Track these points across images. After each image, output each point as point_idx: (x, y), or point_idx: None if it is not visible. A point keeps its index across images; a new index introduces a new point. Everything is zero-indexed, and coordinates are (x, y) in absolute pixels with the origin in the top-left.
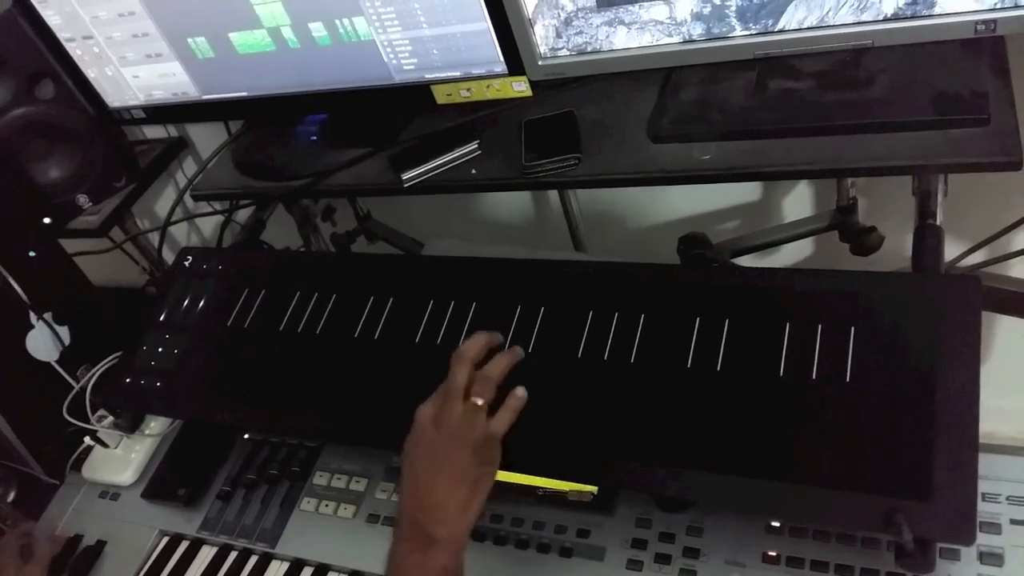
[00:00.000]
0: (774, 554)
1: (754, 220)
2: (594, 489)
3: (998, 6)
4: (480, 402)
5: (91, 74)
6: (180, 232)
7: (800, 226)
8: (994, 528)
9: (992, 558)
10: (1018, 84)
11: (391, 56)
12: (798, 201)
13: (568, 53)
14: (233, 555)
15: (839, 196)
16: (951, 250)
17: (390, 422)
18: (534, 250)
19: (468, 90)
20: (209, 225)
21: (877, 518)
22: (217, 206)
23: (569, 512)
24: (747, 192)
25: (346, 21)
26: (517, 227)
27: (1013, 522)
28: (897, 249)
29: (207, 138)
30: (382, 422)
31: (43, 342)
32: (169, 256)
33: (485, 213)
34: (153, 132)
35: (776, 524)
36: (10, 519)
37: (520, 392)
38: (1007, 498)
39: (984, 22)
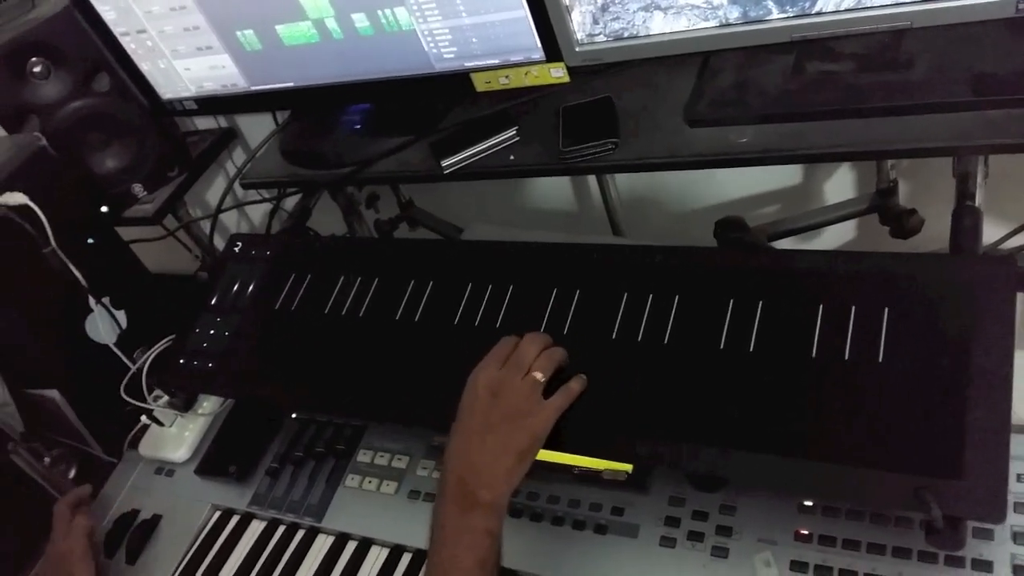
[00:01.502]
0: (806, 532)
1: (794, 203)
2: (629, 468)
3: None
4: (540, 377)
5: (145, 67)
6: (230, 219)
7: (839, 209)
8: None
9: None
10: None
11: (431, 45)
12: (838, 184)
13: (605, 39)
14: (281, 529)
15: (879, 178)
16: (994, 232)
17: (430, 402)
18: (572, 235)
19: (507, 77)
20: (258, 213)
21: (906, 496)
22: (265, 194)
23: (604, 491)
24: (787, 176)
25: (388, 11)
26: (556, 212)
27: None
28: (938, 232)
29: (256, 128)
30: (422, 402)
31: (102, 326)
32: (220, 243)
33: (525, 199)
34: (203, 123)
35: (809, 503)
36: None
37: (583, 377)
38: None
39: None
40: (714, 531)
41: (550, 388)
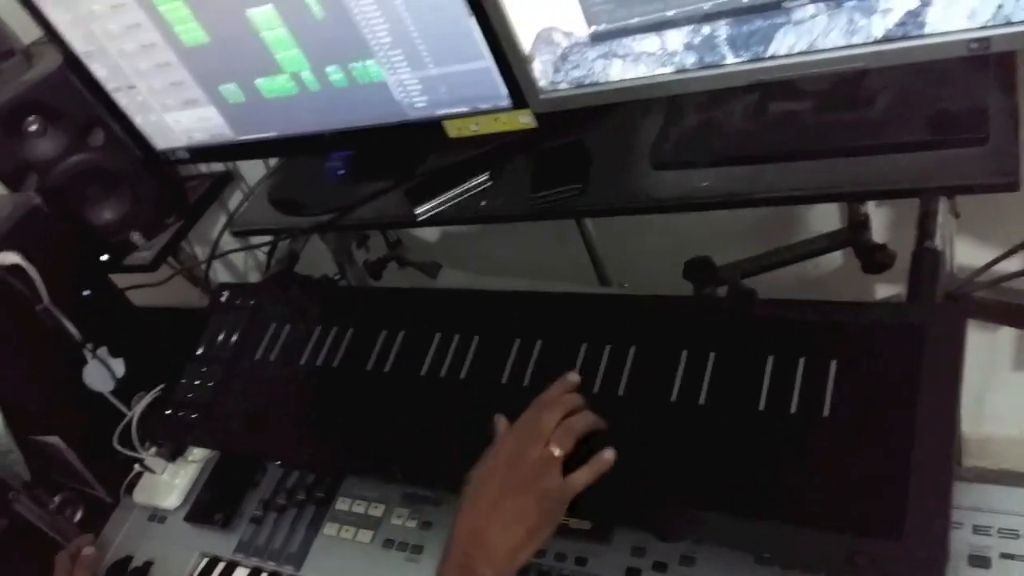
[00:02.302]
0: None
1: (776, 235)
2: None
3: (990, 23)
4: (557, 452)
5: (137, 120)
6: (238, 258)
7: (812, 244)
8: (983, 562)
9: None
10: None
11: (403, 95)
12: (820, 214)
13: (568, 86)
14: None
15: (851, 213)
16: (971, 262)
17: (405, 454)
18: (551, 281)
19: (477, 124)
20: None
21: (841, 558)
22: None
23: (569, 540)
24: (765, 209)
25: (359, 64)
26: (541, 255)
27: (1003, 556)
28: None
29: (254, 168)
30: (397, 454)
31: (99, 375)
32: (226, 279)
33: (508, 241)
34: (204, 165)
35: (767, 555)
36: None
37: (608, 455)
38: (998, 531)
39: (977, 40)
40: None
41: (580, 455)
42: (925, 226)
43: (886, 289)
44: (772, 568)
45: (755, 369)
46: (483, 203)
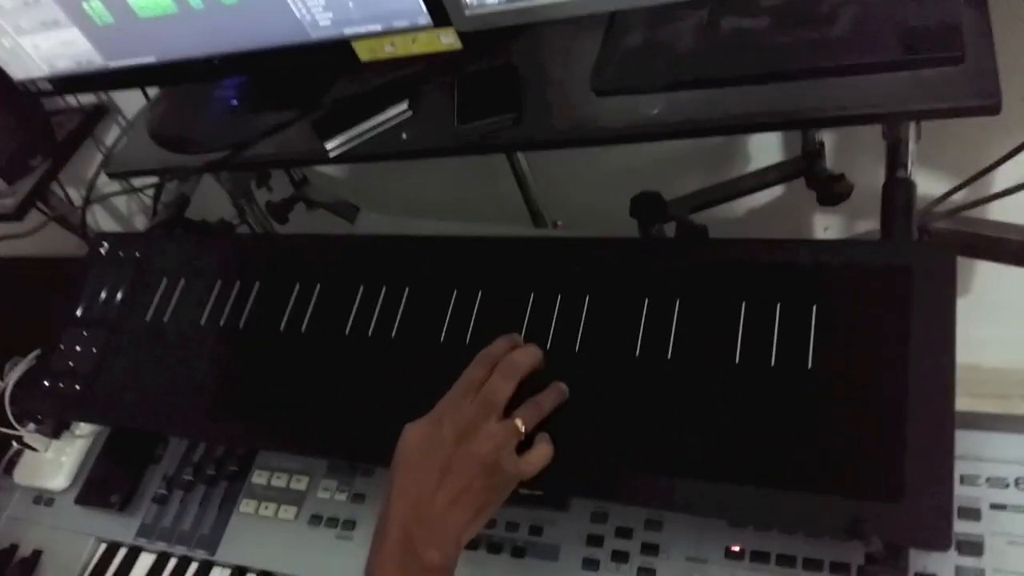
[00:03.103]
0: (737, 549)
1: (718, 167)
2: None
3: None
4: (523, 428)
5: None
6: (119, 200)
7: (763, 175)
8: (972, 514)
9: (971, 547)
10: (997, 16)
11: (303, 11)
12: (763, 144)
13: (497, 2)
14: (172, 563)
15: (805, 141)
16: (926, 191)
17: (321, 425)
18: (481, 222)
19: (392, 45)
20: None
21: (842, 525)
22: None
23: (520, 508)
24: (708, 138)
25: None
26: (463, 192)
27: (993, 507)
28: (868, 196)
29: (132, 99)
30: (313, 425)
31: None
32: (109, 227)
33: (433, 177)
34: (73, 98)
35: (753, 524)
36: None
37: (547, 440)
38: (986, 480)
39: None
40: (639, 550)
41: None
42: (896, 155)
43: (831, 222)
44: (746, 530)
45: (728, 318)
46: (403, 136)
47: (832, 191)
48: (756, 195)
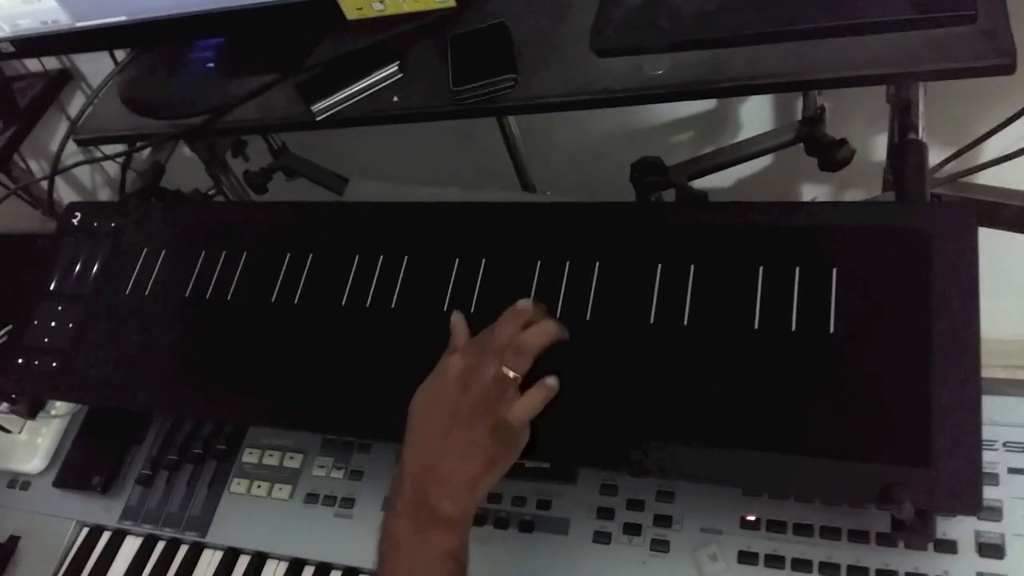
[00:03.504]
0: (753, 519)
1: (710, 134)
2: None
3: None
4: (512, 374)
5: None
6: (83, 173)
7: (763, 141)
8: (991, 479)
9: (990, 512)
10: None
11: None
12: (758, 110)
13: None
14: (160, 546)
15: (805, 106)
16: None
17: (317, 400)
18: (462, 189)
19: (381, 2)
20: (115, 165)
21: (873, 491)
22: (111, 149)
23: (527, 482)
24: (701, 104)
25: None
26: (452, 154)
27: (1011, 471)
28: (868, 163)
29: (97, 65)
30: (309, 400)
31: None
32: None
33: (417, 141)
34: (34, 64)
35: (775, 492)
36: None
37: (551, 382)
38: (1004, 444)
39: None
40: (652, 522)
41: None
42: (906, 117)
43: (820, 192)
44: (760, 499)
45: (746, 283)
46: (395, 99)
47: (834, 158)
48: (743, 165)
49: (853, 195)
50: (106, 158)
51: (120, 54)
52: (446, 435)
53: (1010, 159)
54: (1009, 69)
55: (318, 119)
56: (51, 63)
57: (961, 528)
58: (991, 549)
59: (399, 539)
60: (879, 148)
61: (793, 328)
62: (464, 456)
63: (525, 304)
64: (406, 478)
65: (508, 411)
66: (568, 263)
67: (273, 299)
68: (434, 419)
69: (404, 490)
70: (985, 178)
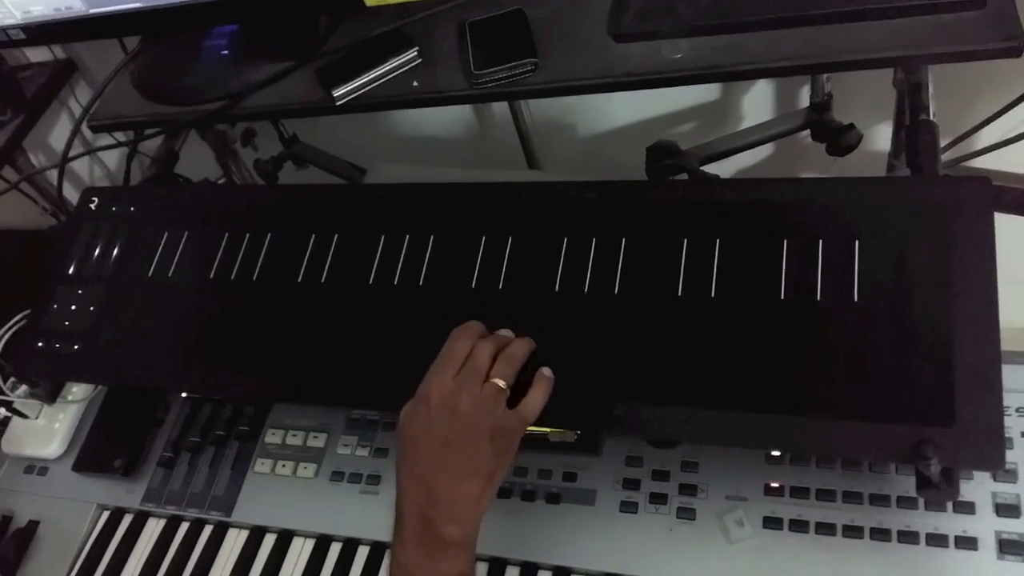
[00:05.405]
0: (777, 485)
1: (717, 120)
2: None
3: None
4: (503, 385)
5: None
6: (82, 166)
7: (772, 126)
8: (1007, 443)
9: (1005, 474)
10: None
11: None
12: (763, 97)
13: None
14: (185, 527)
15: (813, 92)
16: None
17: (345, 375)
18: (487, 171)
19: None
20: (114, 158)
21: (902, 449)
22: (120, 137)
23: (552, 454)
24: (708, 90)
25: None
26: (462, 141)
27: None
28: (869, 147)
29: (99, 58)
30: (337, 376)
31: None
32: (71, 195)
33: (424, 128)
34: (37, 55)
35: (776, 452)
36: None
37: (548, 373)
38: (1017, 410)
39: None
40: (677, 491)
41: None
42: (917, 98)
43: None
44: (782, 465)
45: (770, 255)
46: (414, 84)
47: (842, 143)
48: (746, 153)
49: None
50: (120, 144)
51: (130, 43)
52: (443, 460)
53: (1010, 143)
54: (1017, 52)
55: (339, 103)
56: (52, 53)
57: (979, 490)
58: (1008, 509)
59: (410, 567)
60: (880, 136)
61: (819, 297)
62: (464, 477)
63: (471, 322)
64: (409, 508)
65: (508, 419)
66: (595, 239)
67: (300, 279)
68: (428, 448)
69: (408, 520)
70: (984, 162)
